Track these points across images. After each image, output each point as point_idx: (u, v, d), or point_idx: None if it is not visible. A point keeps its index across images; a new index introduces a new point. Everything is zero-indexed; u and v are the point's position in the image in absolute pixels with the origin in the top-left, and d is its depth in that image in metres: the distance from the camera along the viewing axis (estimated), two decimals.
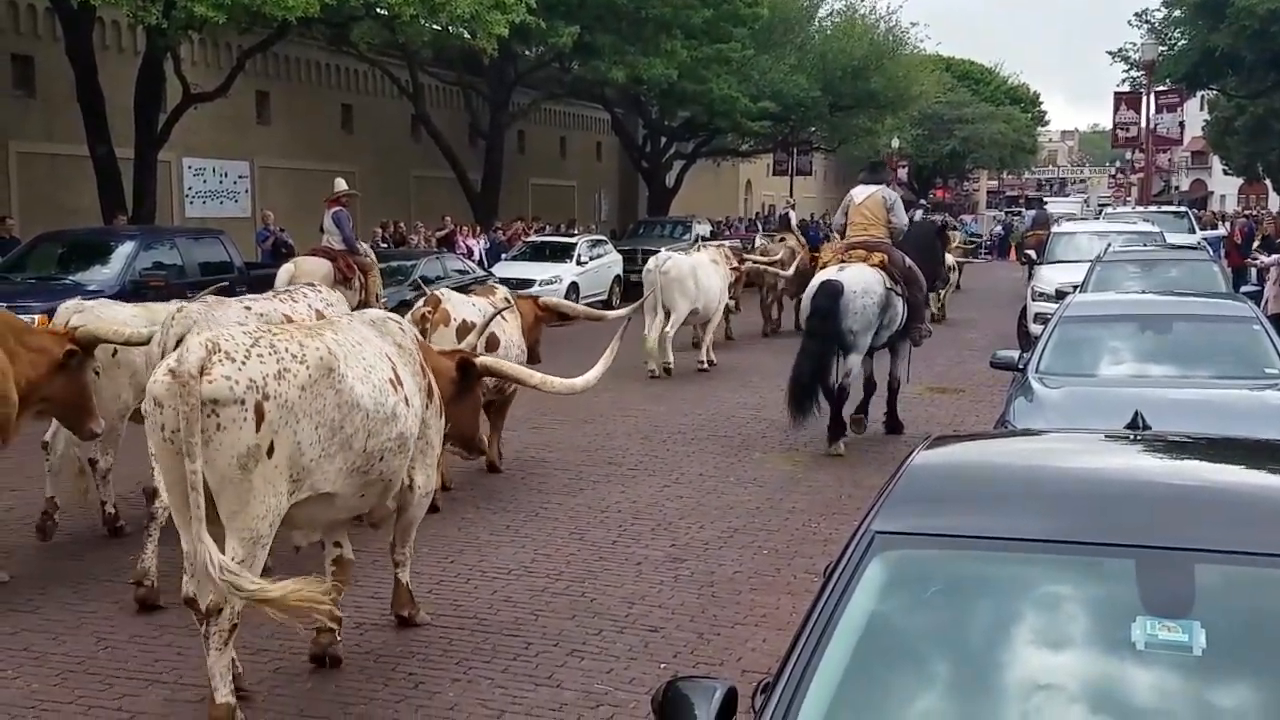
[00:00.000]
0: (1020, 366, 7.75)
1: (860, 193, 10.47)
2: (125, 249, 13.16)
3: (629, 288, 23.33)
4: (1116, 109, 38.65)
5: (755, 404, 12.19)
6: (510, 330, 8.73)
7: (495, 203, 27.52)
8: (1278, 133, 36.78)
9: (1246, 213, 35.71)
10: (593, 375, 6.06)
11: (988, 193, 76.61)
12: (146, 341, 6.60)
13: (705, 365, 14.50)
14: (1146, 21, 36.61)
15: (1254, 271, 17.68)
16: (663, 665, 5.21)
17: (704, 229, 30.38)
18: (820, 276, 9.89)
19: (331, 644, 5.18)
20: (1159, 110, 35.93)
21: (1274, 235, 17.47)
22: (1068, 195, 75.40)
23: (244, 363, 4.44)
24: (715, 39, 27.89)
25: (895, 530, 2.61)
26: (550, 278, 20.84)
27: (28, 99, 19.20)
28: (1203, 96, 44.00)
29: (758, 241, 24.52)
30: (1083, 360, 7.59)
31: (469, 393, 6.03)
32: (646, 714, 4.67)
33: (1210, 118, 45.10)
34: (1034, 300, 15.65)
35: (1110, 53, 38.18)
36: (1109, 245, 15.51)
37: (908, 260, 10.23)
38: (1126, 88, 38.52)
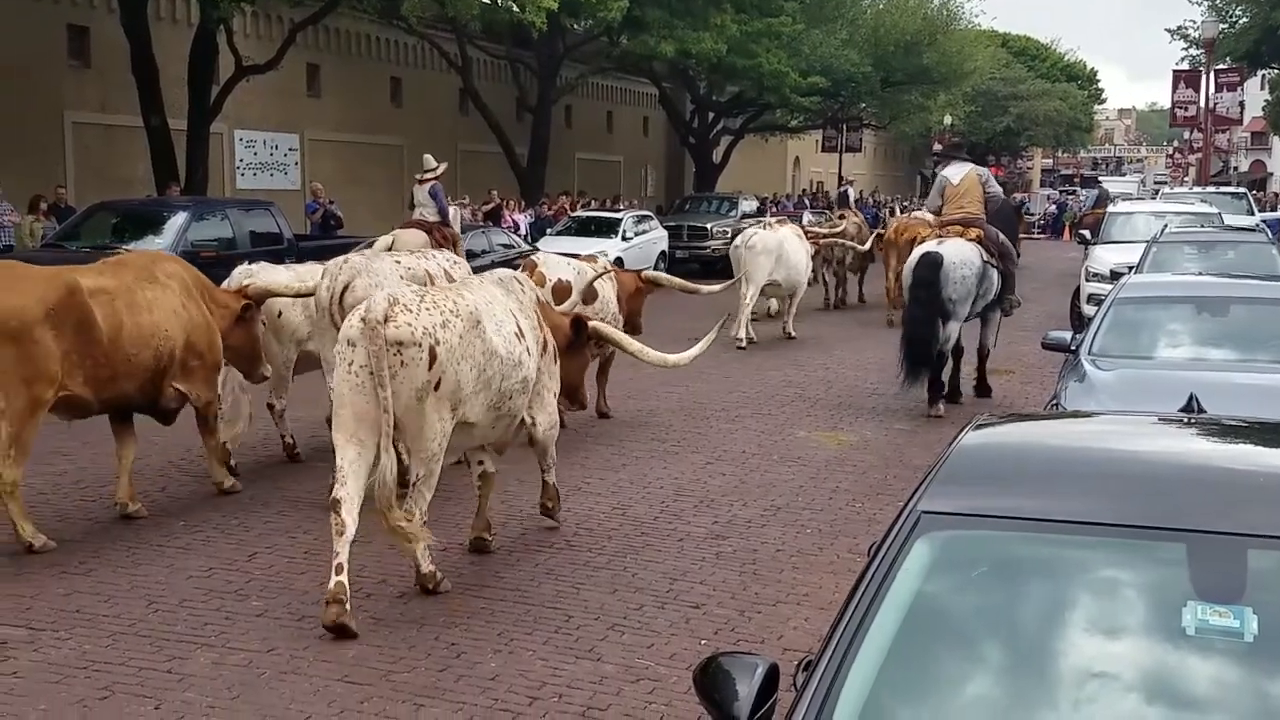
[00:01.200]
0: (1072, 348, 7.63)
1: (954, 173, 11.09)
2: (178, 220, 13.32)
3: (673, 263, 23.29)
4: (1175, 87, 37.87)
5: (800, 382, 12.14)
6: (607, 292, 9.46)
7: (542, 177, 27.54)
8: None
9: None
10: (687, 355, 6.99)
11: (1042, 171, 75.40)
12: (312, 293, 7.64)
13: (790, 335, 15.22)
14: None
15: None
16: (703, 641, 5.21)
17: (751, 205, 30.20)
18: (921, 249, 10.53)
19: (433, 582, 5.79)
20: (1219, 89, 35.17)
21: None
22: (1124, 174, 74.06)
23: (418, 314, 5.47)
24: (765, 13, 27.64)
25: (942, 510, 2.58)
26: (595, 253, 20.82)
27: (83, 70, 19.48)
28: (1264, 76, 42.89)
29: (806, 219, 24.68)
30: (1137, 342, 7.45)
31: (579, 350, 7.04)
32: (687, 688, 4.69)
33: (1271, 97, 44.02)
34: (1088, 281, 15.40)
35: (1170, 30, 37.39)
36: (1165, 226, 15.22)
37: (1000, 235, 10.93)
38: (1186, 66, 37.72)
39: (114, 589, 5.83)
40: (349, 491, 5.30)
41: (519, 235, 20.90)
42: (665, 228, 24.91)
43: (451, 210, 13.88)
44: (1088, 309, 13.44)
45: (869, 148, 53.96)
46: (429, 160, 13.30)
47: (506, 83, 28.67)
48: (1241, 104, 38.07)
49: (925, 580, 2.47)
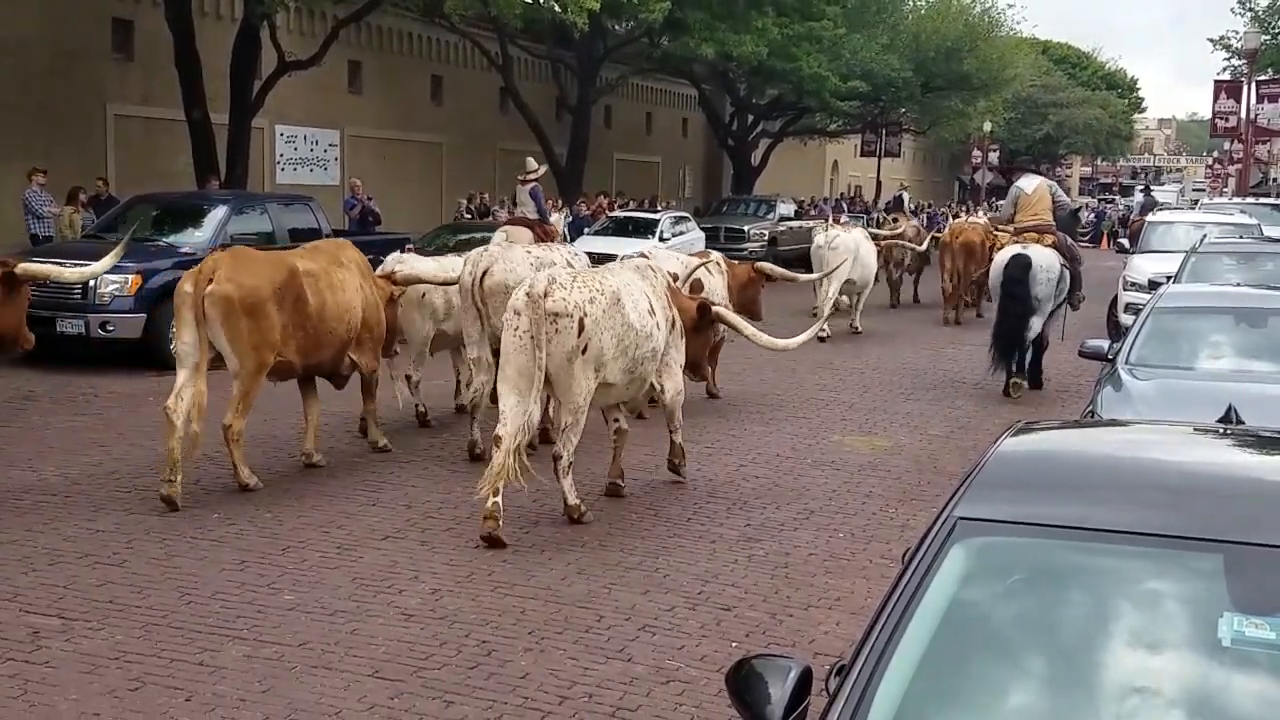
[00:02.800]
0: (1110, 357, 7.56)
1: (1028, 184, 12.31)
2: (218, 213, 13.44)
3: None
4: (1216, 97, 37.35)
5: (835, 385, 12.09)
6: (715, 283, 10.40)
7: (580, 177, 27.59)
8: None
9: None
10: (795, 341, 7.99)
11: (1081, 179, 74.75)
12: (452, 282, 8.74)
13: (858, 329, 16.23)
14: (1250, 9, 35.30)
15: None
16: (734, 644, 5.20)
17: (788, 208, 30.12)
18: (1008, 252, 11.71)
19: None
20: (1260, 100, 34.66)
21: None
22: (1162, 184, 73.26)
23: (571, 291, 6.65)
24: (807, 16, 27.56)
25: (979, 516, 2.56)
26: (632, 254, 20.85)
27: (126, 62, 19.72)
28: None
29: (843, 221, 24.92)
30: (1175, 352, 7.38)
31: (703, 331, 8.18)
32: (718, 690, 4.68)
33: None
34: (1125, 290, 15.25)
35: (1211, 40, 36.93)
36: (1205, 236, 15.03)
37: (1069, 239, 12.39)
38: (1227, 76, 37.24)
39: (147, 580, 5.88)
40: (509, 431, 6.44)
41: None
42: (702, 229, 24.90)
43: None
44: (1125, 318, 13.32)
45: (908, 153, 53.66)
46: (530, 163, 14.47)
47: (547, 82, 28.76)
48: None
49: (961, 587, 2.45)
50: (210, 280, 7.21)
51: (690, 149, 38.58)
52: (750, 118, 35.75)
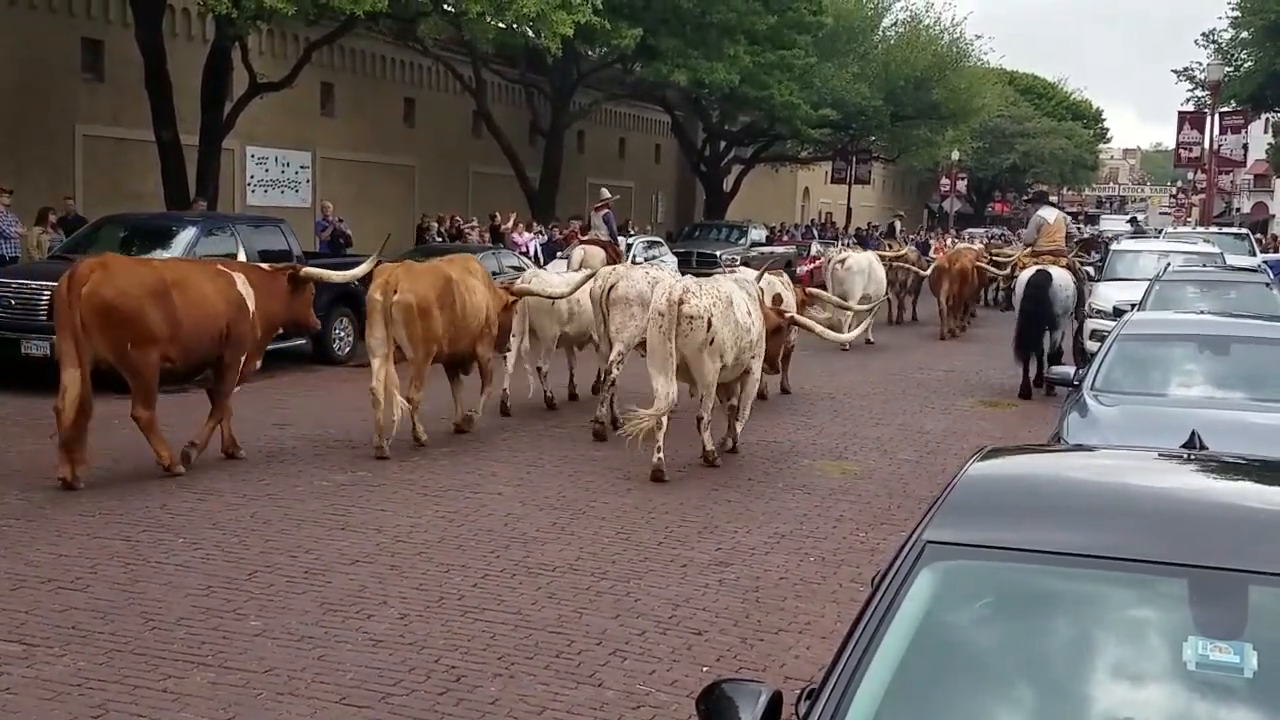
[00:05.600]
0: (1075, 382, 7.64)
1: (1049, 214, 15.02)
2: (186, 235, 13.35)
3: None
4: (1180, 128, 38.04)
5: (805, 410, 12.13)
6: (789, 297, 12.11)
7: (553, 201, 27.64)
8: None
9: None
10: (851, 334, 11.88)
11: None
12: (563, 296, 10.83)
13: (870, 341, 17.59)
14: (1214, 42, 35.99)
15: None
16: (705, 668, 5.19)
17: (760, 234, 30.30)
18: (1031, 271, 13.79)
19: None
20: (1223, 131, 35.31)
21: None
22: (1126, 214, 74.38)
23: (701, 297, 8.67)
24: (778, 45, 27.83)
25: (947, 540, 2.58)
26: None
27: (96, 83, 19.61)
28: (1268, 119, 43.07)
29: (814, 249, 26.02)
30: (1139, 378, 7.47)
31: (780, 332, 10.14)
32: (689, 715, 4.66)
33: (1275, 141, 44.15)
34: (1091, 317, 15.42)
35: (1176, 71, 37.61)
36: (1168, 265, 15.25)
37: (1076, 262, 15.40)
38: (1191, 107, 37.89)
39: (111, 605, 5.80)
40: (660, 403, 8.56)
41: (528, 257, 20.94)
42: (675, 254, 24.98)
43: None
44: (1090, 345, 13.49)
45: (877, 180, 54.18)
46: (604, 192, 16.99)
47: (520, 106, 28.83)
48: (1245, 146, 38.22)
49: (929, 610, 2.47)
50: (395, 290, 9.11)
51: (663, 174, 38.76)
52: (722, 144, 35.99)
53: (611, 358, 10.17)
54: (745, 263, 22.97)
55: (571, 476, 8.84)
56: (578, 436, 10.35)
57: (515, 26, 21.07)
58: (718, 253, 26.75)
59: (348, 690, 4.89)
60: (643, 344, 9.44)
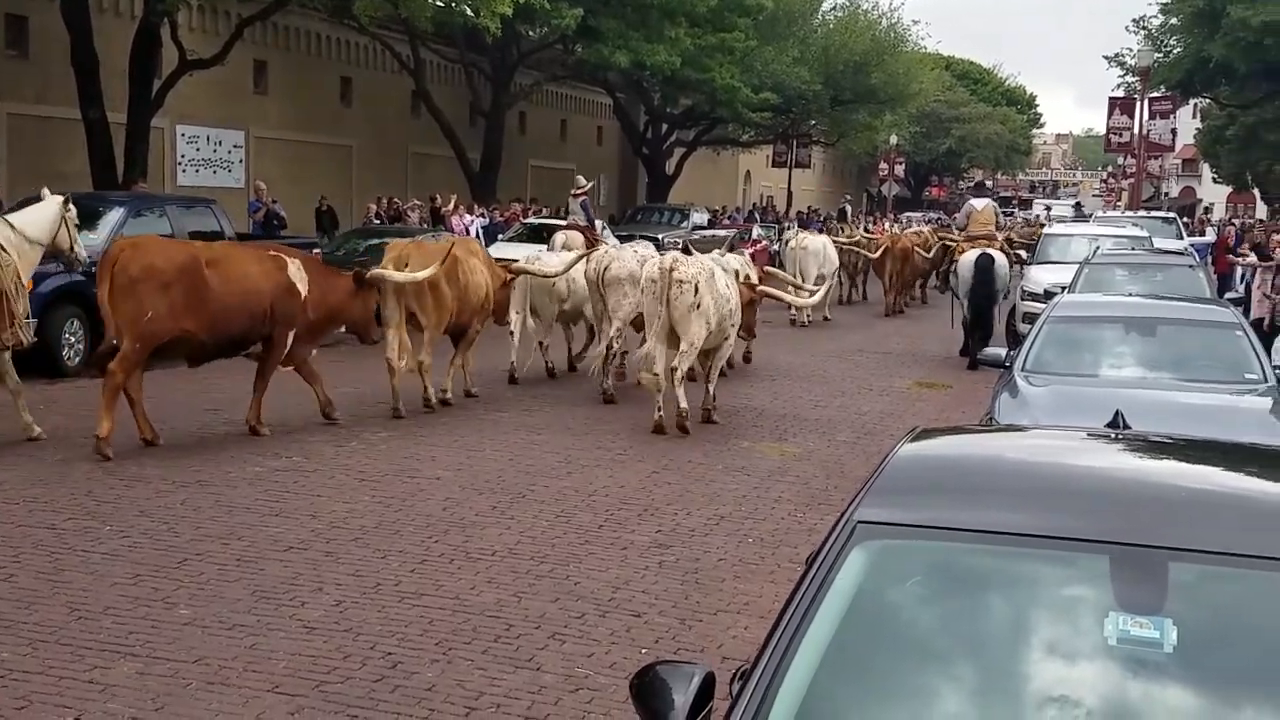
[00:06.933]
0: (1006, 364, 7.76)
1: (980, 203, 17.72)
2: (113, 215, 13.05)
3: None
4: (1111, 114, 38.67)
5: (745, 392, 12.19)
6: (751, 274, 12.74)
7: (494, 183, 27.43)
8: (1268, 143, 36.87)
9: (1234, 220, 35.85)
10: (813, 299, 13.86)
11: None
12: (558, 274, 11.81)
13: (827, 318, 19.38)
14: (1144, 28, 36.63)
15: (1238, 277, 17.76)
16: (644, 650, 5.20)
17: (701, 217, 30.35)
18: (974, 254, 15.34)
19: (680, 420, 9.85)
20: (1152, 116, 35.94)
21: (1265, 244, 17.47)
22: (1058, 198, 75.74)
23: (689, 267, 9.74)
24: (719, 28, 27.82)
25: (877, 520, 2.60)
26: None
27: (20, 60, 19.07)
28: (1195, 104, 44.03)
29: (755, 232, 26.58)
30: (1068, 360, 7.61)
31: (752, 304, 11.19)
32: (626, 697, 4.65)
33: (1202, 126, 45.16)
34: (1023, 300, 15.68)
35: (1107, 57, 38.21)
36: (1097, 248, 15.54)
37: (1006, 245, 17.37)
38: (1122, 93, 38.54)
39: (35, 595, 5.66)
40: (659, 368, 9.62)
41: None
42: (617, 237, 24.86)
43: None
44: (1023, 327, 13.71)
45: (818, 164, 54.52)
46: (580, 180, 17.94)
47: (460, 86, 28.53)
48: (1174, 131, 38.96)
49: (859, 589, 2.48)
50: (406, 266, 9.97)
51: (605, 157, 38.63)
52: (664, 127, 35.96)
53: (610, 333, 11.25)
54: (686, 249, 23.42)
55: (511, 460, 8.79)
56: (517, 420, 10.32)
57: (454, 5, 20.86)
58: (660, 236, 26.70)
59: (280, 679, 4.83)
60: (637, 318, 10.69)
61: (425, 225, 21.04)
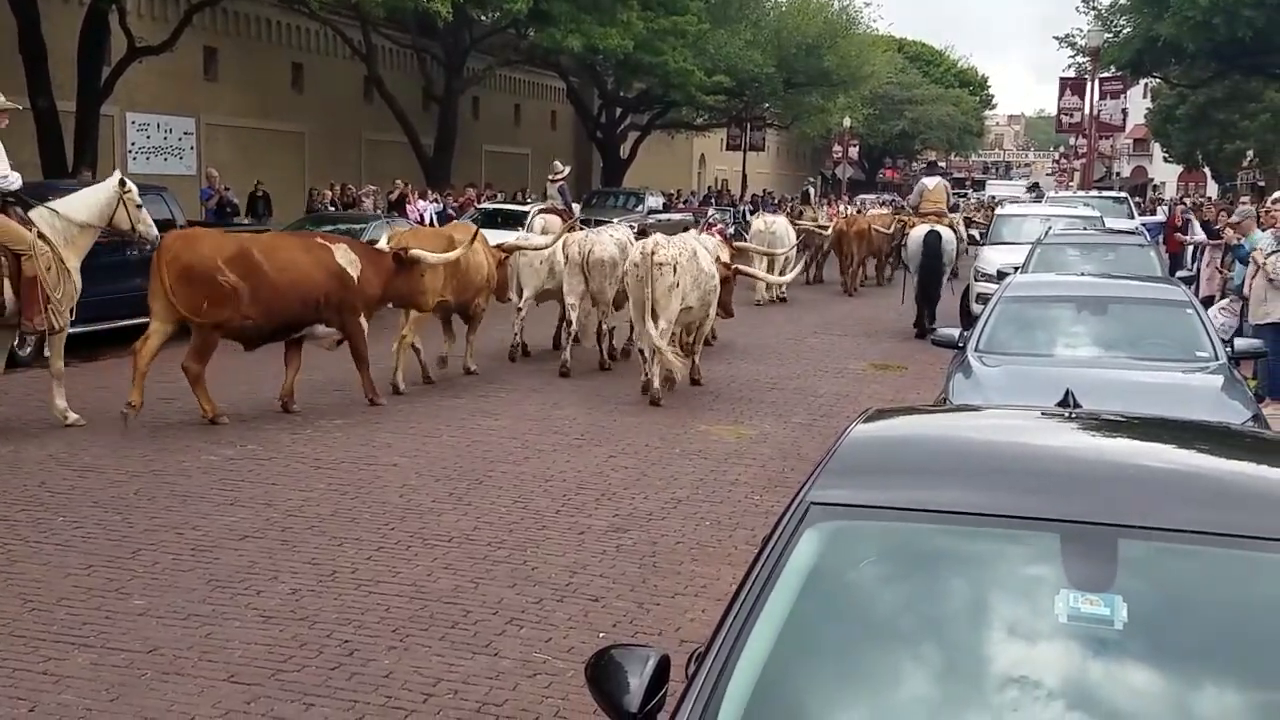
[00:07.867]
0: (960, 344, 7.83)
1: (931, 182, 18.01)
2: None
3: None
4: (1061, 94, 38.96)
5: (702, 376, 12.21)
6: (724, 253, 13.10)
7: (448, 168, 27.24)
8: (1217, 122, 37.34)
9: (1185, 198, 36.34)
10: (785, 277, 15.47)
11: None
12: (544, 248, 12.44)
13: (785, 298, 19.95)
14: (1094, 8, 36.92)
15: (1189, 257, 18.02)
16: (602, 634, 5.21)
17: (657, 201, 30.31)
18: (922, 229, 16.26)
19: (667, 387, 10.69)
20: (1103, 96, 36.26)
21: (1213, 221, 17.74)
22: (1011, 179, 76.37)
23: (669, 248, 10.38)
24: (671, 11, 27.78)
25: (830, 501, 2.62)
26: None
27: None
28: (1146, 84, 44.52)
29: (711, 214, 26.95)
30: (1021, 339, 7.69)
31: (729, 282, 11.95)
32: (584, 682, 4.67)
33: (1153, 106, 45.66)
34: (976, 280, 15.82)
35: (1057, 38, 38.47)
36: (1050, 228, 15.70)
37: (956, 223, 18.34)
38: (1072, 73, 38.86)
39: None
40: (648, 344, 10.38)
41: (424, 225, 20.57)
42: (582, 222, 24.82)
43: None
44: (976, 307, 13.83)
45: (772, 147, 54.61)
46: (557, 165, 18.66)
47: (412, 72, 28.28)
48: (1124, 111, 39.33)
49: (813, 570, 2.50)
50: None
51: (559, 141, 38.45)
52: (618, 111, 35.86)
53: (583, 311, 11.97)
54: (642, 231, 23.51)
55: (468, 446, 8.77)
56: (474, 406, 10.29)
57: None
58: (615, 220, 26.66)
59: (236, 668, 4.80)
60: (620, 296, 11.50)
61: (379, 212, 20.87)
